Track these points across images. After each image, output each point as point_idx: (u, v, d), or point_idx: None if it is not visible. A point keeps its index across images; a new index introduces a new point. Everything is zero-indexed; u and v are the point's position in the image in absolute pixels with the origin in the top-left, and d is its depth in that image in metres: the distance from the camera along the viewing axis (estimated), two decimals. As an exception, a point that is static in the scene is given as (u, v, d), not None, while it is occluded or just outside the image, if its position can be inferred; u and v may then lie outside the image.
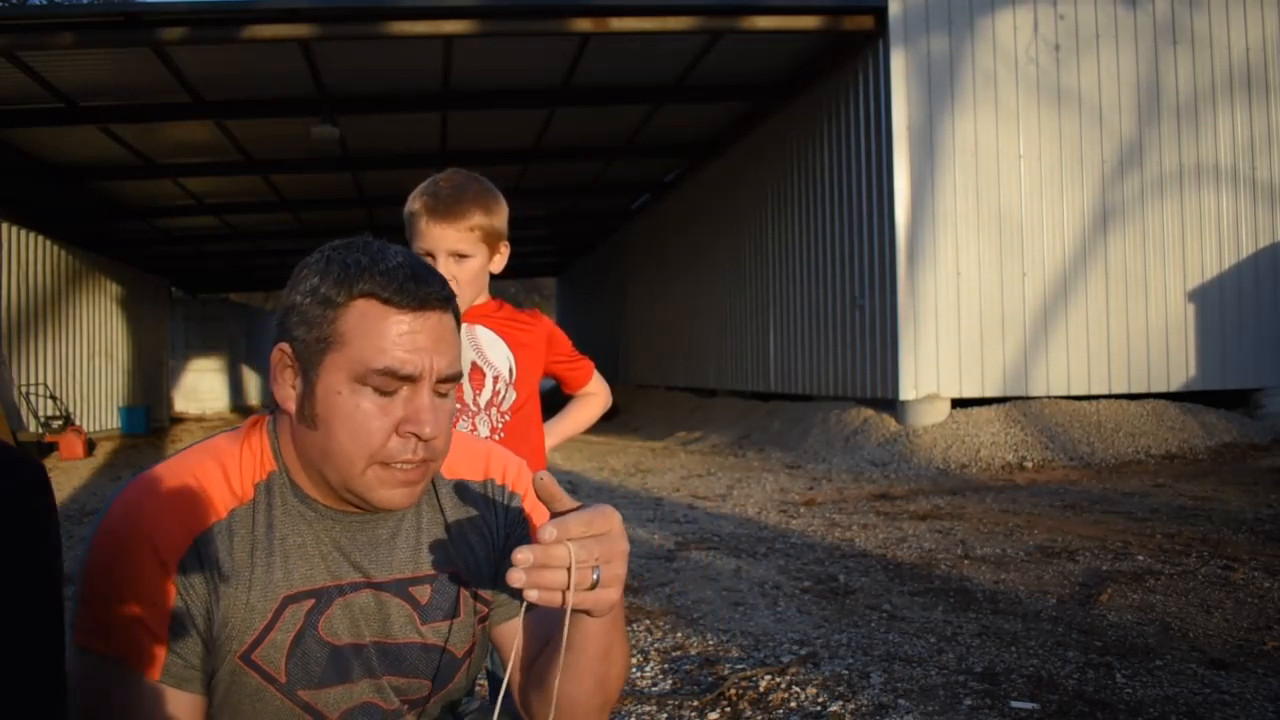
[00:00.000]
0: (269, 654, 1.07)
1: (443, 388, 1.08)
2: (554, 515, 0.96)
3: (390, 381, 1.04)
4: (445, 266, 1.90)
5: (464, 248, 1.91)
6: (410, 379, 1.04)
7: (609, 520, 0.93)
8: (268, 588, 1.07)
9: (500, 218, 1.96)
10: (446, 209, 1.90)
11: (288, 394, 1.08)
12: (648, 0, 8.27)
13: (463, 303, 1.95)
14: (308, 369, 1.06)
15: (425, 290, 1.05)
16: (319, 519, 1.11)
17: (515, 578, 0.87)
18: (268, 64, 9.13)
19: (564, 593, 0.90)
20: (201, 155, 12.23)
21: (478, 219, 1.91)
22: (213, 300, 25.37)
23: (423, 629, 1.15)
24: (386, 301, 1.04)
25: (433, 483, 1.21)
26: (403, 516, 1.17)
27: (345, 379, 1.04)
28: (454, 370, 1.08)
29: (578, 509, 0.95)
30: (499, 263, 1.99)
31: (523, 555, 0.88)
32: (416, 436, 1.05)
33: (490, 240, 1.94)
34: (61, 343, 14.84)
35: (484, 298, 2.03)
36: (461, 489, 1.22)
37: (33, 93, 9.28)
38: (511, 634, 1.19)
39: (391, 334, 1.04)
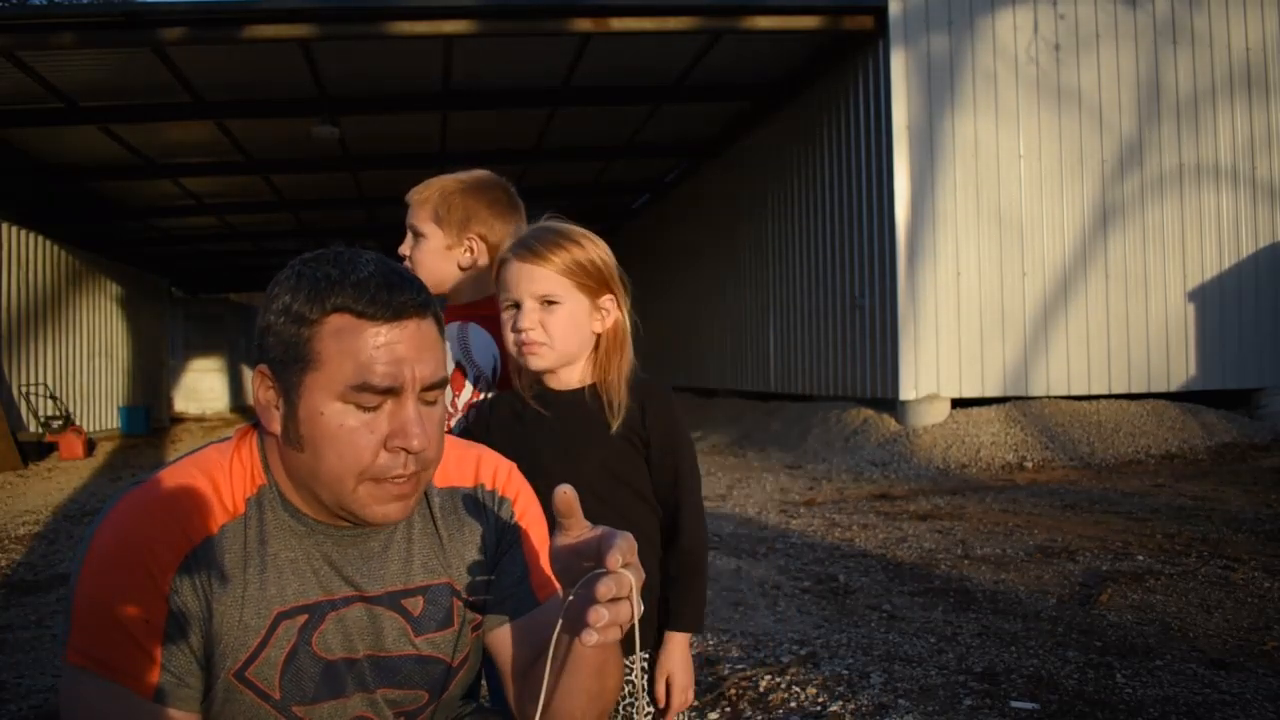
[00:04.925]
0: (263, 671, 1.05)
1: (429, 395, 1.05)
2: (558, 537, 0.96)
3: (372, 397, 1.01)
4: (406, 244, 1.91)
5: (414, 223, 1.88)
6: (392, 392, 1.02)
7: (635, 547, 0.92)
8: (261, 604, 1.06)
9: (459, 203, 1.86)
10: (414, 189, 1.92)
11: (272, 415, 1.06)
12: (648, 0, 8.27)
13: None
14: (288, 390, 1.03)
15: (399, 299, 1.02)
16: (310, 533, 1.10)
17: (598, 615, 0.86)
18: (268, 64, 9.13)
19: (620, 626, 0.90)
20: (201, 155, 12.22)
21: (432, 199, 1.86)
22: (213, 300, 25.38)
23: (416, 640, 1.14)
24: (360, 315, 1.00)
25: (424, 491, 1.19)
26: (394, 528, 1.15)
27: (327, 398, 1.01)
28: (438, 377, 1.05)
29: (594, 531, 0.94)
30: (464, 256, 1.88)
31: (604, 588, 0.87)
32: (405, 450, 1.02)
33: (445, 222, 1.85)
34: (61, 343, 14.83)
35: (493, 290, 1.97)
36: (452, 496, 1.20)
37: (33, 93, 9.28)
38: (506, 640, 1.18)
39: (368, 348, 1.00)
